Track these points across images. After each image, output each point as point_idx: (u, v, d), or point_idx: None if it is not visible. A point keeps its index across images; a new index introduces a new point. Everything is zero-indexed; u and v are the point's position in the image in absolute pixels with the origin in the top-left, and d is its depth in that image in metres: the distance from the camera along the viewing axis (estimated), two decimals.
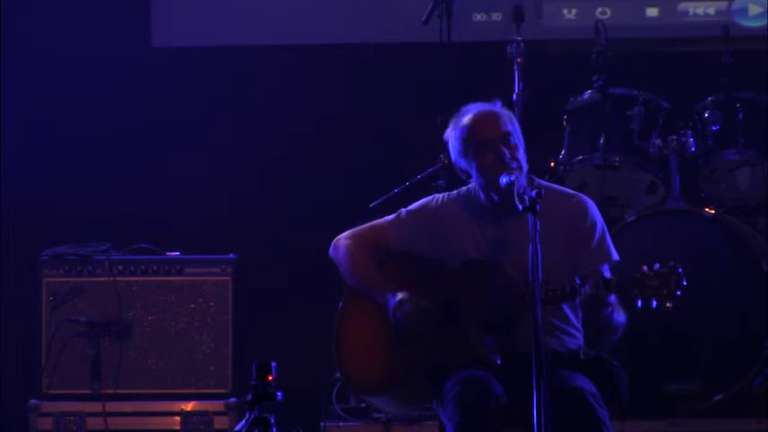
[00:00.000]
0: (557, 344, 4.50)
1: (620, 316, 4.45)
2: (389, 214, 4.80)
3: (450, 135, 4.63)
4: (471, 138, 4.55)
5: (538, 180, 4.65)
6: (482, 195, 4.59)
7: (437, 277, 4.58)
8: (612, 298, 4.32)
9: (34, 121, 7.33)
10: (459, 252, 4.58)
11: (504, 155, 4.47)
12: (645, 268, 4.21)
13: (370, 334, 4.62)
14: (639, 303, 4.22)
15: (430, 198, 4.75)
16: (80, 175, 7.29)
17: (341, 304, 4.74)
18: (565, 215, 4.56)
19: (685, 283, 4.17)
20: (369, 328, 4.63)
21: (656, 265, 4.20)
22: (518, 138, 4.55)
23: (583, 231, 4.54)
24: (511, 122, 4.56)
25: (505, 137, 4.51)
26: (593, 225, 4.56)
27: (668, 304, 4.18)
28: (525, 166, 4.53)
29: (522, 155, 4.52)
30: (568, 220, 4.56)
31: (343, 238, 4.77)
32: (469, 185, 4.67)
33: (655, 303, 4.19)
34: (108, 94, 7.34)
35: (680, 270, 4.18)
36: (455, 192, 4.73)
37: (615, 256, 4.53)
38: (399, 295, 4.51)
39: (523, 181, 4.43)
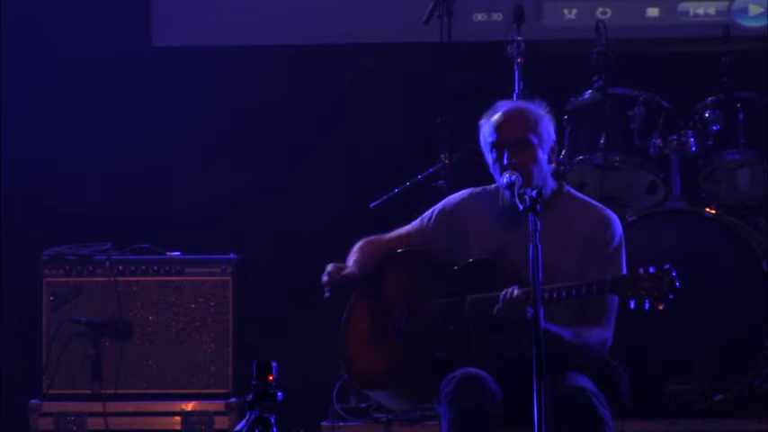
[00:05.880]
0: None
1: (594, 334, 4.45)
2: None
3: (481, 124, 4.66)
4: (491, 134, 4.58)
5: (568, 188, 4.68)
6: (506, 195, 4.59)
7: (443, 274, 4.60)
8: (529, 313, 4.32)
9: (34, 121, 7.33)
10: (474, 250, 4.61)
11: (510, 160, 4.49)
12: (641, 270, 4.23)
13: (376, 329, 4.65)
14: (632, 304, 4.24)
15: (453, 194, 4.77)
16: (80, 175, 7.30)
17: (352, 299, 4.77)
18: (586, 225, 4.58)
19: (678, 286, 4.20)
20: (374, 322, 4.66)
21: (651, 268, 4.23)
22: (540, 145, 4.55)
23: (599, 244, 4.55)
24: (538, 127, 4.57)
25: (520, 142, 4.53)
26: (612, 239, 4.57)
27: (660, 306, 4.21)
28: (545, 172, 4.53)
29: (540, 163, 4.53)
30: (588, 230, 4.57)
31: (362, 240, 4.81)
32: (496, 184, 4.67)
33: (647, 305, 4.22)
34: (108, 93, 7.34)
35: (674, 273, 4.21)
36: (480, 188, 4.75)
37: (623, 271, 4.52)
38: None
39: (520, 180, 4.42)
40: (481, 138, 4.65)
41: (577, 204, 4.65)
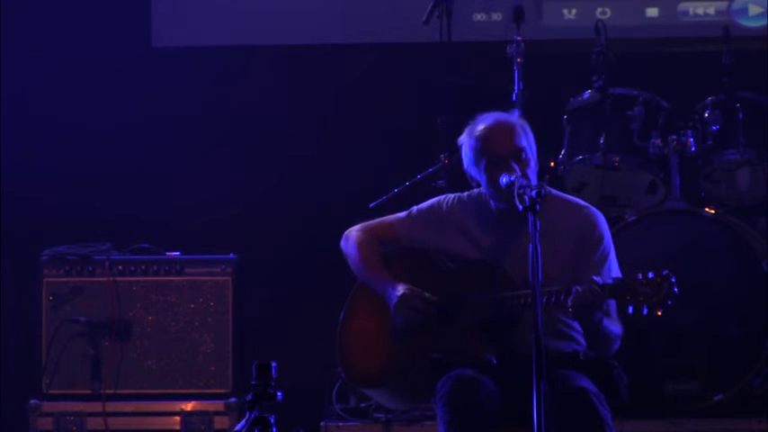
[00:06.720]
0: (564, 345, 4.51)
1: (616, 327, 4.46)
2: (392, 213, 4.82)
3: (464, 142, 4.62)
4: (484, 151, 4.54)
5: (549, 189, 4.66)
6: (492, 202, 4.60)
7: (439, 276, 4.60)
8: (610, 305, 4.39)
9: (34, 121, 7.33)
10: (462, 253, 4.60)
11: (515, 171, 4.46)
12: (639, 276, 4.22)
13: (373, 327, 4.66)
14: (631, 309, 4.23)
15: (442, 197, 4.77)
16: (80, 175, 7.29)
17: (349, 298, 4.77)
18: (573, 225, 4.57)
19: (677, 292, 4.19)
20: (372, 321, 4.66)
21: (650, 274, 4.21)
22: (531, 151, 4.55)
23: (588, 242, 4.55)
24: (525, 135, 4.56)
25: (518, 152, 4.51)
26: (600, 238, 4.57)
27: (658, 312, 4.20)
28: (535, 180, 4.51)
29: (533, 169, 4.53)
30: (576, 229, 4.56)
31: (354, 231, 4.80)
32: (481, 189, 4.67)
33: (645, 311, 4.21)
34: (108, 94, 7.34)
35: (673, 279, 4.19)
36: (466, 194, 4.74)
37: (617, 273, 4.52)
38: (400, 290, 4.53)
39: (523, 181, 4.42)
40: (470, 155, 4.58)
41: (561, 205, 4.64)
